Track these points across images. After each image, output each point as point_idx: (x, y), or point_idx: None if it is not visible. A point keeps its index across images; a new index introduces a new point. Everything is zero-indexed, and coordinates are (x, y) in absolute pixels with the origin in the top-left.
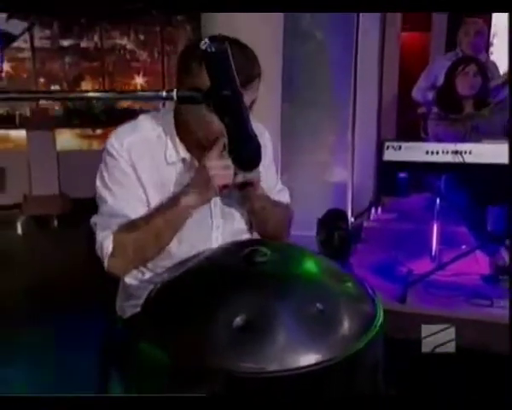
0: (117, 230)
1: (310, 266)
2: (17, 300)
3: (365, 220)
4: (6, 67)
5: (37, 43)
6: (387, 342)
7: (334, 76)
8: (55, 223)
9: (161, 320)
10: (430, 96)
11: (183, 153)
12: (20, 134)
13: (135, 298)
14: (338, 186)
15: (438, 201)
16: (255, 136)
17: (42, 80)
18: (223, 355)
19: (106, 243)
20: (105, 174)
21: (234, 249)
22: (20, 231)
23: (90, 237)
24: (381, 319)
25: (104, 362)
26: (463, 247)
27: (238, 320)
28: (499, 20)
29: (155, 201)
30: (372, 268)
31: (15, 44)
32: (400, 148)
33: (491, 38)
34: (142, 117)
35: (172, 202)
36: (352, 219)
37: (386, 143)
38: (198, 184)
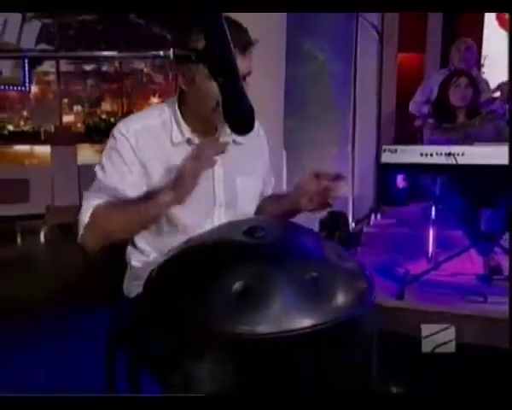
0: (96, 207)
1: (308, 240)
2: (41, 301)
3: (365, 226)
4: (34, 88)
5: (63, 67)
6: (386, 337)
7: (334, 93)
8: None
9: (164, 290)
10: (425, 109)
11: (188, 133)
12: (44, 149)
13: (140, 279)
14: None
15: (433, 206)
16: (248, 98)
17: (66, 100)
18: (223, 319)
19: (84, 215)
20: (103, 154)
21: (235, 226)
22: (43, 239)
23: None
24: (374, 298)
25: (111, 342)
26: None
27: (237, 286)
28: (489, 42)
29: (158, 179)
30: (371, 269)
31: (43, 69)
32: (396, 151)
33: (482, 60)
34: (148, 108)
35: (148, 196)
36: (353, 225)
37: (384, 147)
38: (172, 184)
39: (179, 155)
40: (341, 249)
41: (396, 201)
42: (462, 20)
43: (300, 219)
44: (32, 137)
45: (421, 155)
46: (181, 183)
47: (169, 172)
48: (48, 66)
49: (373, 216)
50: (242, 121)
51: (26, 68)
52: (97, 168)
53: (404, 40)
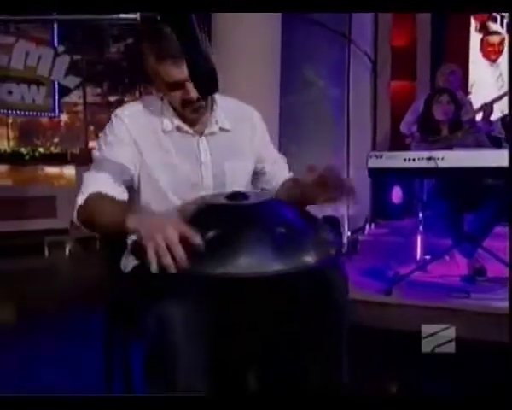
0: (88, 196)
1: (283, 208)
2: (65, 307)
3: (360, 235)
4: (64, 117)
5: (89, 98)
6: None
7: (329, 116)
8: (98, 245)
9: None
10: (415, 128)
11: (177, 122)
12: (70, 170)
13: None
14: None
15: (420, 211)
16: (211, 61)
17: (91, 128)
18: (198, 263)
19: (80, 198)
20: (101, 136)
21: (219, 194)
22: (68, 251)
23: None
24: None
25: (109, 320)
26: (447, 258)
27: (210, 234)
28: (475, 70)
29: (152, 163)
30: (365, 272)
31: (72, 100)
32: (382, 157)
33: (469, 88)
34: (144, 97)
35: (123, 212)
36: (349, 234)
37: (370, 153)
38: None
39: (170, 141)
40: (315, 220)
41: (391, 215)
42: (449, 50)
43: None
44: (60, 159)
45: (405, 160)
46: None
47: (159, 156)
48: (76, 97)
49: (367, 226)
50: (205, 81)
51: (56, 97)
52: (96, 150)
53: (397, 69)
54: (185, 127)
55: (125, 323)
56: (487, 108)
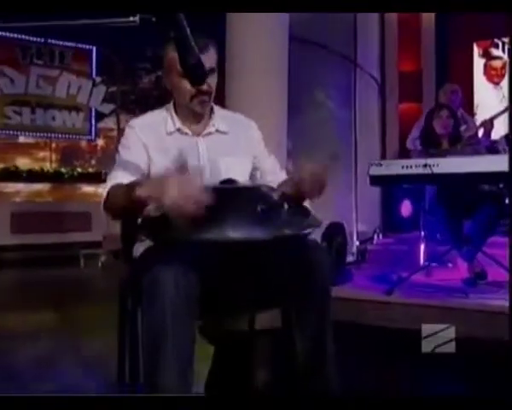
0: (110, 188)
1: (264, 191)
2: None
3: (369, 245)
4: (100, 142)
5: (123, 124)
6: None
7: (338, 135)
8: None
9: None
10: (419, 143)
11: (179, 124)
12: (104, 188)
13: (144, 241)
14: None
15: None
16: (198, 56)
17: None
18: (195, 231)
19: (104, 192)
20: (119, 144)
21: (216, 181)
22: (101, 262)
23: None
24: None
25: (121, 297)
26: (450, 265)
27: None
28: (479, 92)
29: (159, 161)
30: (371, 277)
31: (107, 125)
32: (381, 165)
33: (474, 109)
34: (153, 110)
35: (133, 188)
36: (358, 243)
37: (371, 162)
38: (151, 184)
39: (172, 141)
40: (295, 204)
41: (400, 228)
42: (454, 73)
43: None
44: (95, 179)
45: (403, 167)
46: (157, 186)
47: (164, 155)
48: (111, 123)
49: (376, 236)
50: (194, 72)
51: (93, 122)
52: (116, 154)
53: (404, 92)
54: (185, 129)
55: (133, 300)
56: (487, 124)
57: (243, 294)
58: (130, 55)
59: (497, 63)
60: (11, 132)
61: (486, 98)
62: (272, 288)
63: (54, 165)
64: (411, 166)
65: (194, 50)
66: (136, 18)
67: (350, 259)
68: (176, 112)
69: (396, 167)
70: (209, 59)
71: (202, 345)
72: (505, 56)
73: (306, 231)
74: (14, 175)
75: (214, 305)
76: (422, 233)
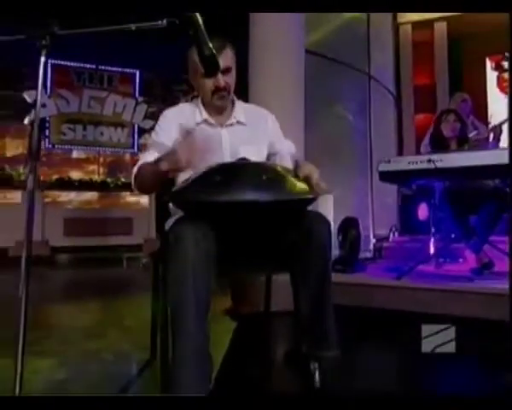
0: (139, 165)
1: (270, 165)
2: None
3: (385, 242)
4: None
5: None
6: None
7: (355, 141)
8: None
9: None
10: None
11: (205, 115)
12: (145, 196)
13: (174, 215)
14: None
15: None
16: (212, 50)
17: None
18: (212, 194)
19: (135, 169)
20: (155, 128)
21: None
22: (142, 264)
23: None
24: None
25: (156, 269)
26: (460, 260)
27: (218, 177)
28: (493, 102)
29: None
30: (384, 268)
31: (148, 141)
32: (390, 161)
33: (489, 118)
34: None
35: (158, 162)
36: (374, 241)
37: (380, 160)
38: (168, 156)
39: (199, 130)
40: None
41: (417, 230)
42: (468, 86)
43: None
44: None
45: (409, 163)
46: (172, 156)
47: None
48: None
49: (391, 235)
50: (208, 64)
51: (136, 137)
52: (152, 135)
53: (419, 104)
54: (211, 120)
55: (163, 267)
56: (496, 129)
57: (254, 253)
58: (168, 78)
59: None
60: (66, 147)
61: (500, 108)
62: (279, 250)
63: (101, 176)
64: (416, 162)
65: (208, 44)
66: (164, 21)
67: (367, 255)
68: (203, 105)
69: (403, 164)
70: (226, 58)
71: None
72: None
73: (303, 197)
74: (67, 185)
75: (229, 259)
76: (433, 229)
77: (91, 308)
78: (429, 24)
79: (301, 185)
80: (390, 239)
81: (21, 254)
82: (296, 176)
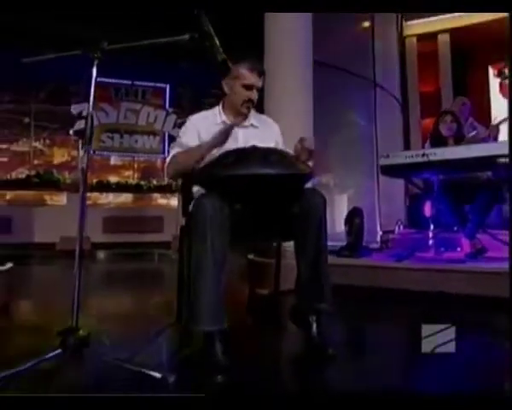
0: (172, 155)
1: (277, 149)
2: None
3: (391, 234)
4: None
5: None
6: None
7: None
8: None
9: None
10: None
11: (224, 118)
12: (174, 198)
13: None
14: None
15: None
16: (223, 54)
17: None
18: (228, 170)
19: (168, 159)
20: (180, 130)
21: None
22: (171, 258)
23: None
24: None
25: (181, 243)
26: (458, 249)
27: (231, 158)
28: (496, 105)
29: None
30: (389, 256)
31: None
32: (389, 156)
33: (492, 120)
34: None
35: (197, 147)
36: (381, 233)
37: (381, 155)
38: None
39: (218, 130)
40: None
41: (423, 226)
42: (472, 90)
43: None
44: (167, 190)
45: (406, 157)
46: (211, 143)
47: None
48: None
49: (397, 228)
50: (222, 67)
51: (166, 144)
52: (179, 134)
53: (425, 109)
54: (229, 122)
55: (188, 240)
56: (494, 128)
57: (262, 223)
58: (194, 91)
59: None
60: (105, 154)
61: (503, 112)
62: (283, 221)
63: (135, 180)
64: (412, 156)
65: (221, 52)
66: (186, 36)
67: (375, 246)
68: (223, 109)
69: (400, 158)
70: (262, 80)
71: None
72: None
73: (300, 172)
74: (106, 187)
75: (241, 229)
76: (431, 221)
77: (127, 293)
78: (433, 36)
79: (299, 165)
80: (396, 232)
81: (66, 247)
82: (297, 159)
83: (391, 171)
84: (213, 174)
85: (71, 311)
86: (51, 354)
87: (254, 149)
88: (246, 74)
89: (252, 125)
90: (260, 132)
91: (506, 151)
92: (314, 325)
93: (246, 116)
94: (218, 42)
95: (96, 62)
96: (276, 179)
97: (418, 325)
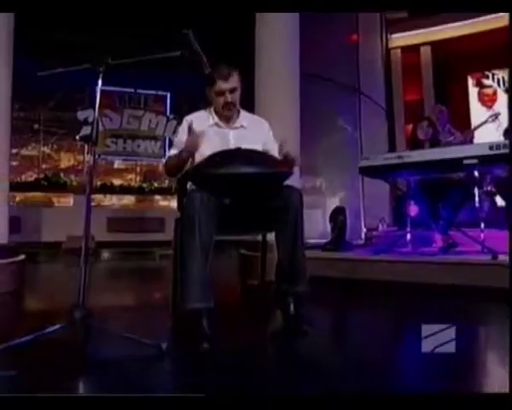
0: (167, 157)
1: (259, 151)
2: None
3: (375, 232)
4: None
5: None
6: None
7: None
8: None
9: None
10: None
11: (216, 119)
12: (174, 199)
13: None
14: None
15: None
16: (209, 68)
17: None
18: (214, 169)
19: (163, 160)
20: (178, 131)
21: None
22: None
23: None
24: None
25: (176, 233)
26: (434, 245)
27: (217, 158)
28: (476, 116)
29: (201, 142)
30: (369, 251)
31: None
32: (369, 158)
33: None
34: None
35: (180, 152)
36: (365, 230)
37: (361, 157)
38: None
39: (212, 131)
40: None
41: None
42: (452, 100)
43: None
44: (167, 192)
45: (384, 159)
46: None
47: (205, 139)
48: None
49: (380, 226)
50: (207, 79)
51: (167, 148)
52: (175, 136)
53: (409, 116)
54: (221, 124)
55: (182, 230)
56: (469, 133)
57: (245, 217)
58: (194, 98)
59: (489, 91)
60: (109, 158)
61: (481, 118)
62: (264, 214)
63: (138, 183)
64: (389, 158)
65: (207, 66)
66: (178, 52)
67: (359, 242)
68: (215, 112)
69: (378, 160)
70: (232, 81)
71: None
72: (495, 85)
73: (277, 171)
74: (110, 190)
75: (226, 221)
76: (408, 218)
77: (129, 287)
78: (416, 48)
79: (279, 164)
80: (379, 229)
81: (72, 246)
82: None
83: (369, 172)
84: (202, 173)
85: (77, 293)
86: (57, 327)
87: (237, 150)
88: (216, 82)
89: (242, 126)
90: (249, 133)
91: (474, 153)
92: (291, 306)
93: (230, 117)
94: (204, 58)
95: (101, 75)
96: (256, 177)
97: (394, 310)
